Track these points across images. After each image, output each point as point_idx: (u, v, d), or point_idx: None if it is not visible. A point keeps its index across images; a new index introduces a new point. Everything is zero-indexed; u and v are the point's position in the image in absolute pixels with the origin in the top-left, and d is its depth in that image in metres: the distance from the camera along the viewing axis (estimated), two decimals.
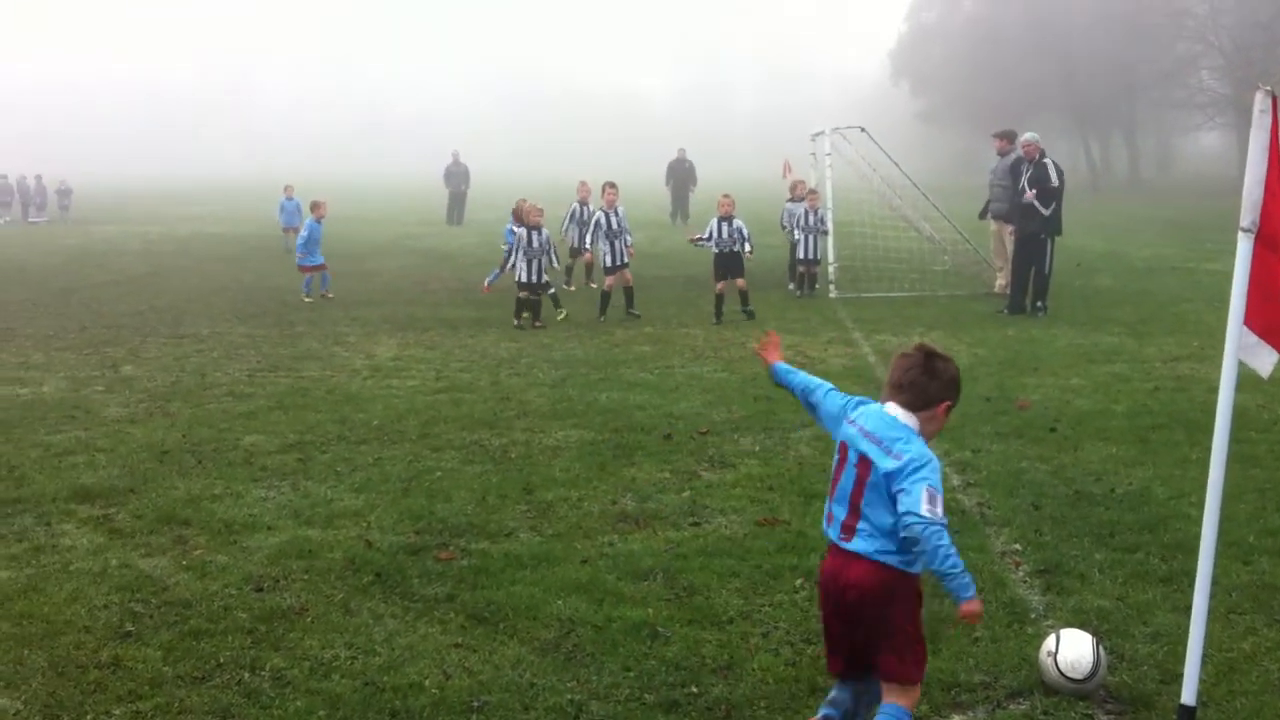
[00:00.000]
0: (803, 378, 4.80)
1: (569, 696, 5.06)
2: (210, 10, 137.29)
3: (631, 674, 5.25)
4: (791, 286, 20.27)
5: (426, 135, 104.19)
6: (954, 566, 4.01)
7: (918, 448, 4.15)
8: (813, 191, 20.06)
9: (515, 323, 15.93)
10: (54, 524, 7.44)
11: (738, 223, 16.80)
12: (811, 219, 19.33)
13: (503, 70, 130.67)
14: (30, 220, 43.10)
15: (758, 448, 9.20)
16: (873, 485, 4.14)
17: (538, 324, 15.90)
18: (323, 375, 12.43)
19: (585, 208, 20.45)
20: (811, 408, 4.70)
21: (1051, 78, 62.43)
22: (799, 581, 6.26)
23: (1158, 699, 4.95)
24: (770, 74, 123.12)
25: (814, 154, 21.94)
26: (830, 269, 19.53)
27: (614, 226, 16.85)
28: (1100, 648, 5.00)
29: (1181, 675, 4.64)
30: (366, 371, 12.63)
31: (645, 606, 5.96)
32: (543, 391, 11.53)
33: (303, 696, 5.07)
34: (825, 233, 19.46)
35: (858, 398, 4.53)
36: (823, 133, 20.75)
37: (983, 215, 19.69)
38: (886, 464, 4.11)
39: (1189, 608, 4.63)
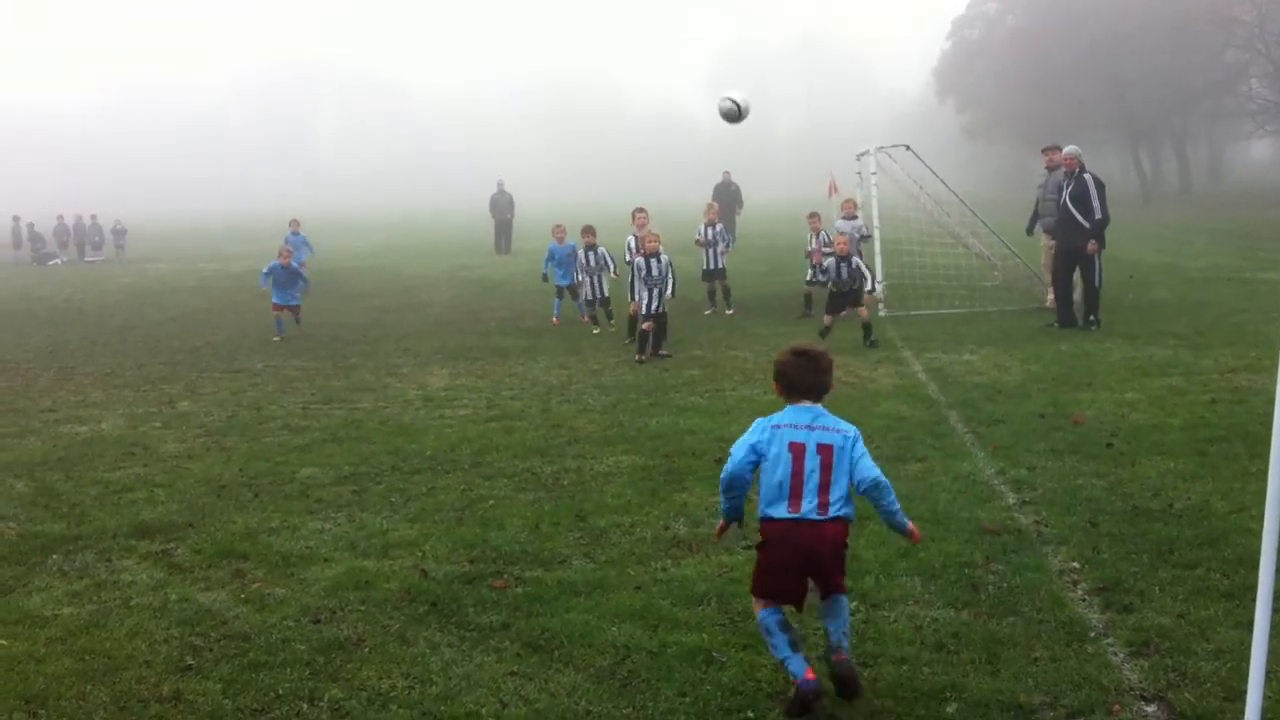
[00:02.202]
0: (738, 492, 5.45)
1: None
2: (258, 47, 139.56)
3: (687, 699, 5.25)
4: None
5: (472, 164, 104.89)
6: (898, 504, 5.32)
7: (845, 423, 5.28)
8: (813, 215, 20.43)
9: (639, 358, 15.17)
10: (114, 560, 7.55)
11: (665, 259, 15.86)
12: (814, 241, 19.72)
13: (549, 97, 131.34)
14: (86, 259, 43.84)
15: None
16: (837, 464, 5.15)
17: (663, 353, 15.48)
18: (376, 407, 12.54)
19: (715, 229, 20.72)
20: (748, 475, 5.36)
21: (1098, 90, 61.93)
22: (854, 604, 6.22)
23: (1221, 717, 4.88)
24: (812, 93, 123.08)
25: (859, 173, 21.89)
26: (878, 287, 19.45)
27: (653, 274, 16.18)
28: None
29: (1245, 693, 4.57)
30: (419, 402, 12.73)
31: (700, 632, 5.96)
32: (593, 418, 11.57)
33: None
34: (867, 238, 19.71)
35: (762, 421, 5.35)
36: (868, 151, 20.70)
37: (1030, 230, 19.54)
38: (840, 441, 5.18)
39: (1252, 624, 4.55)
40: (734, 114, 7.41)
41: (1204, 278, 22.53)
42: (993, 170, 71.81)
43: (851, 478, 5.20)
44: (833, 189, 26.19)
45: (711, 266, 20.34)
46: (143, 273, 36.34)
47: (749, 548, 7.28)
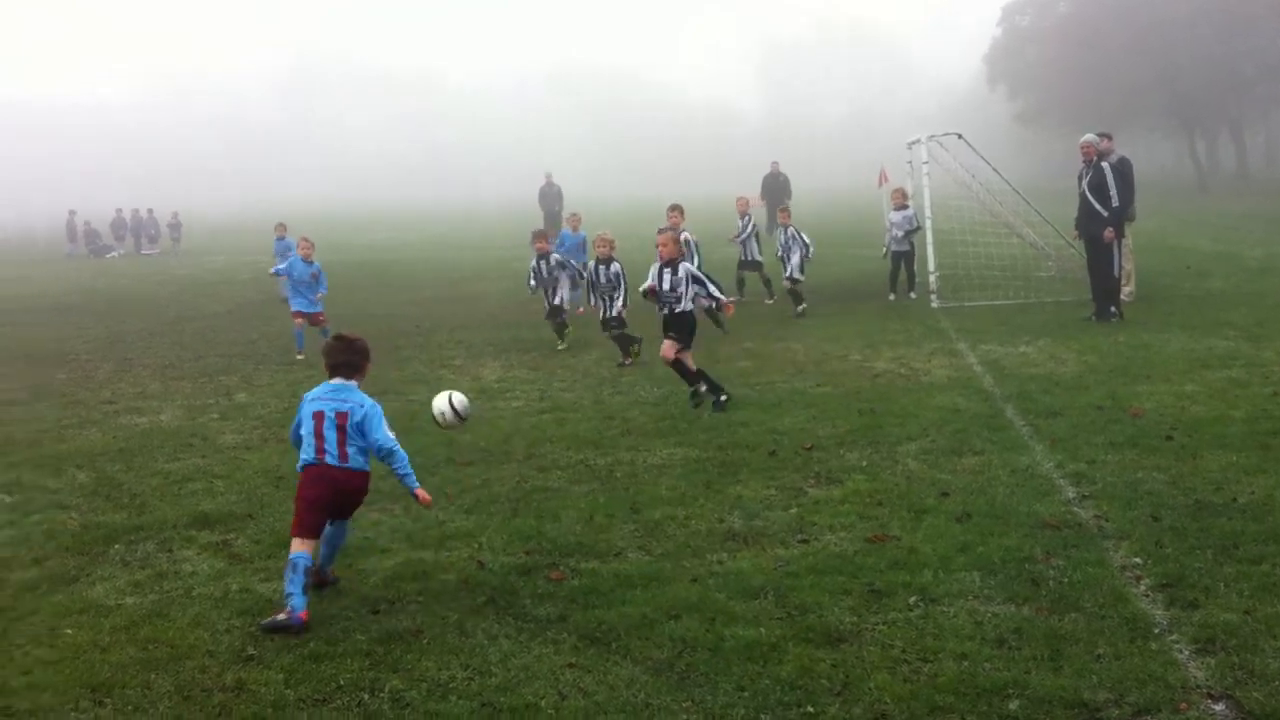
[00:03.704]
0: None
1: (684, 717, 5.07)
2: (295, 42, 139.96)
3: (746, 694, 5.24)
4: (892, 297, 20.13)
5: (514, 156, 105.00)
6: (407, 467, 6.82)
7: (363, 397, 6.82)
8: (783, 208, 20.10)
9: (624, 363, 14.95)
10: (175, 550, 7.65)
11: (615, 266, 15.21)
12: (784, 237, 19.20)
13: (592, 88, 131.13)
14: (143, 252, 44.38)
15: (864, 463, 9.12)
16: (354, 426, 6.68)
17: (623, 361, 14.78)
18: (429, 398, 12.56)
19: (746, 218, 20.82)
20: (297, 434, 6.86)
21: (1151, 76, 60.99)
22: (913, 599, 6.19)
23: None
24: (861, 82, 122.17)
25: (910, 162, 21.73)
26: (931, 278, 19.32)
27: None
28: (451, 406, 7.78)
29: None
30: (472, 393, 12.73)
31: (757, 626, 5.94)
32: (645, 410, 11.57)
33: (421, 718, 5.15)
34: (918, 229, 19.71)
35: (310, 393, 6.88)
36: (919, 140, 20.53)
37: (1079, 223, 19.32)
38: (358, 413, 6.70)
39: None
40: (449, 420, 7.95)
41: (1261, 267, 22.17)
42: (1045, 158, 70.95)
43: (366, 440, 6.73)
44: (883, 178, 26.02)
45: (747, 258, 20.56)
46: (198, 265, 36.73)
47: (804, 541, 7.27)
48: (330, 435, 6.62)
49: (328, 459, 6.61)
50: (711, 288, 11.77)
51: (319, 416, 6.68)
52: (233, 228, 60.58)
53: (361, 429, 6.66)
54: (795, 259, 18.86)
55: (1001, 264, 20.66)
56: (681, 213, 16.96)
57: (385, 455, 6.70)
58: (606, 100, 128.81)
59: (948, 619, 5.95)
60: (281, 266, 17.51)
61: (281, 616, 6.23)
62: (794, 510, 7.95)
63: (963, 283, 19.81)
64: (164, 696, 5.45)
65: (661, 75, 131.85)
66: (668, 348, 11.60)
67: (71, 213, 46.26)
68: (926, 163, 19.87)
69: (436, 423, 7.88)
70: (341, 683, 5.52)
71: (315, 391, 6.85)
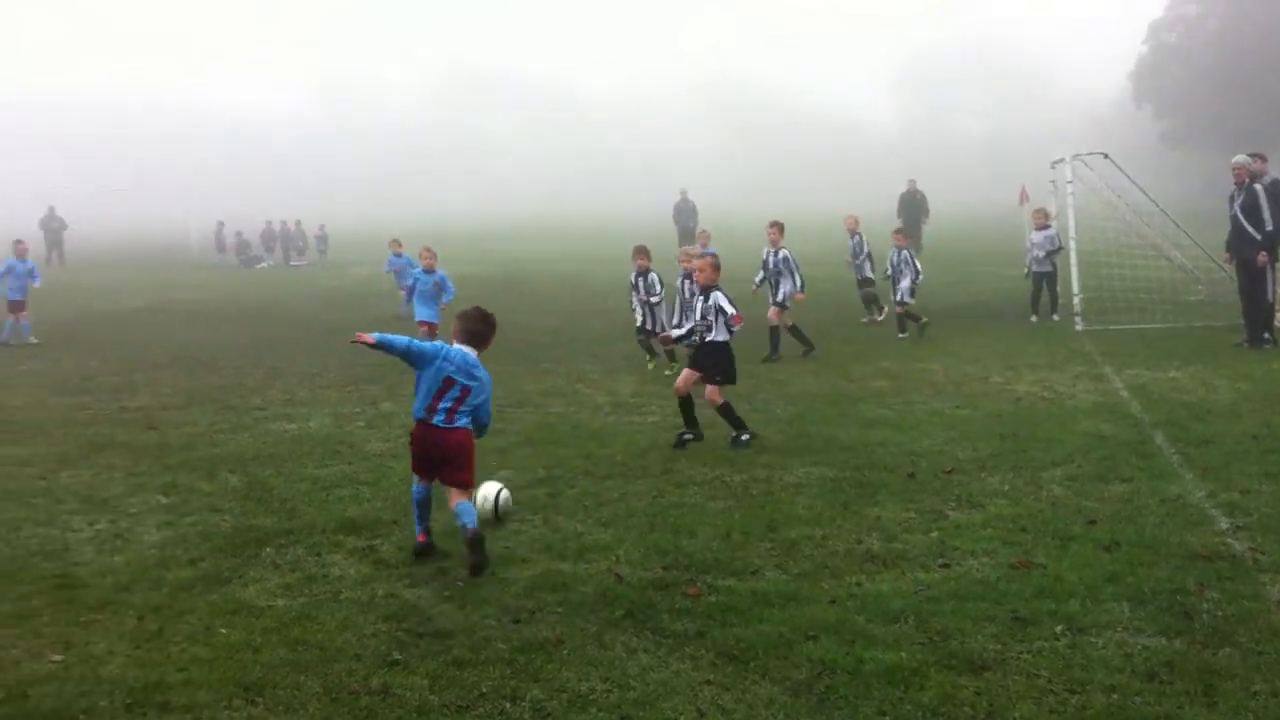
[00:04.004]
0: (403, 340, 7.69)
1: None
2: (435, 59, 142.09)
3: (887, 719, 5.19)
4: (1034, 318, 19.77)
5: (655, 172, 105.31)
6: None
7: (485, 375, 7.74)
8: (899, 231, 19.92)
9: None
10: (324, 554, 7.86)
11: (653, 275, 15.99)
12: (897, 258, 18.80)
13: (726, 103, 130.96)
14: (291, 264, 45.68)
15: (1007, 487, 8.96)
16: (470, 404, 7.63)
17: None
18: (567, 411, 12.77)
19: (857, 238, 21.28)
20: (415, 356, 7.63)
21: None
22: (1059, 629, 6.06)
23: None
24: (1000, 99, 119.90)
25: (1053, 181, 21.30)
26: (1075, 300, 18.90)
27: (770, 267, 16.82)
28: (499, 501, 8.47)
29: None
30: (609, 407, 12.90)
31: (898, 650, 5.88)
32: (780, 428, 11.54)
33: None
34: (1059, 249, 19.49)
35: (448, 350, 7.70)
36: (1063, 160, 20.12)
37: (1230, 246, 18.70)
38: (479, 396, 7.67)
39: None
40: (487, 510, 8.37)
41: None
42: (1194, 179, 68.83)
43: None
44: (1024, 197, 25.56)
45: (862, 277, 21.03)
46: (344, 276, 37.66)
47: (945, 566, 7.18)
48: (448, 403, 7.57)
49: (435, 419, 7.58)
50: (720, 320, 10.88)
51: (449, 383, 7.57)
52: (377, 240, 62.06)
53: (476, 409, 7.72)
54: (905, 283, 18.58)
55: (1149, 286, 20.13)
56: (781, 230, 17.03)
57: (482, 430, 7.92)
58: (744, 114, 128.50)
59: (1096, 650, 5.81)
60: (408, 280, 17.94)
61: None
62: (934, 534, 7.86)
63: (1108, 305, 19.33)
64: (313, 698, 5.61)
65: (796, 89, 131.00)
66: (684, 378, 10.97)
67: (220, 223, 47.86)
68: (1071, 182, 19.46)
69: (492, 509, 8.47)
70: (484, 690, 5.62)
71: (452, 353, 7.64)
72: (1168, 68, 75.81)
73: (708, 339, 11.02)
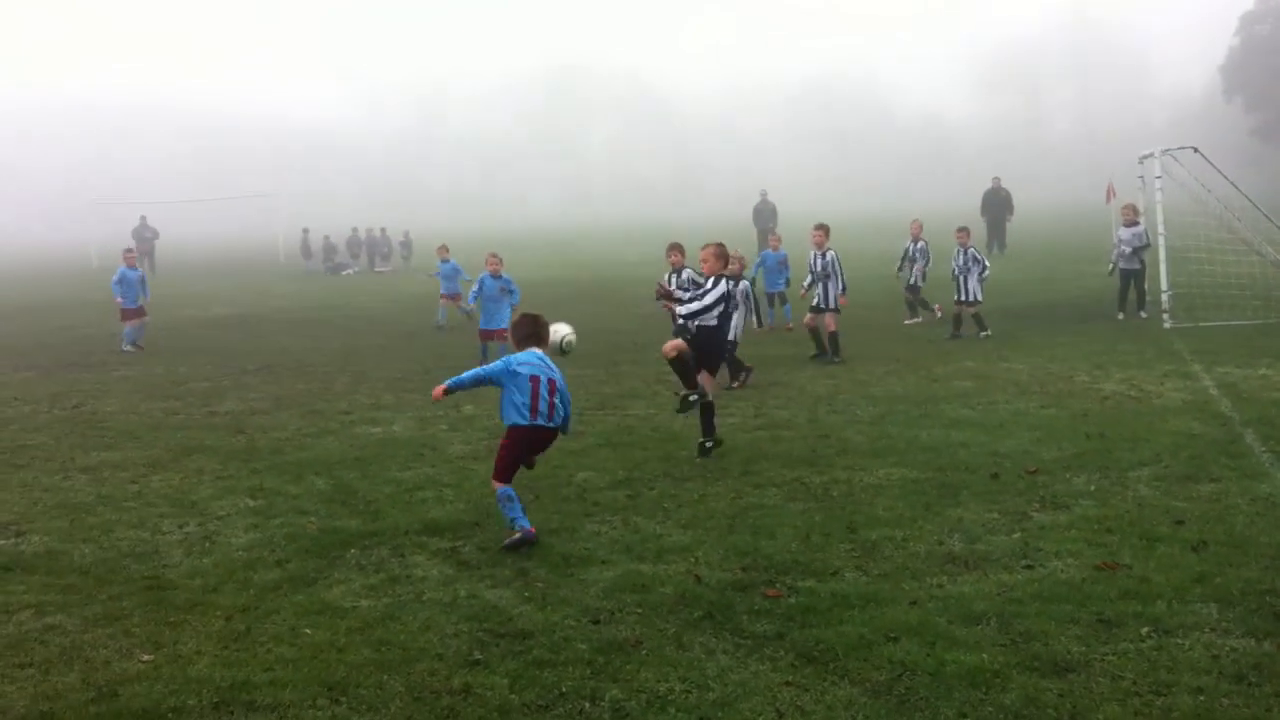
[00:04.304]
0: (469, 374, 8.37)
1: None
2: (528, 62, 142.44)
3: None
4: (1120, 316, 19.44)
5: (743, 174, 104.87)
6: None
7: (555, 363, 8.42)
8: (962, 229, 19.45)
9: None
10: (407, 555, 7.97)
11: (744, 285, 15.79)
12: (963, 258, 18.62)
13: (809, 101, 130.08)
14: (376, 270, 46.29)
15: (1092, 487, 8.82)
16: (559, 390, 8.25)
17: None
18: (646, 413, 12.80)
19: (916, 245, 21.52)
20: (489, 381, 8.29)
21: None
22: (1145, 630, 5.96)
23: None
24: (1086, 94, 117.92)
25: (1142, 177, 20.91)
26: (1164, 297, 18.53)
27: (818, 270, 16.66)
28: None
29: None
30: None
31: (979, 652, 5.82)
32: (862, 429, 11.47)
33: None
34: (1146, 246, 19.38)
35: (516, 357, 8.36)
36: (1151, 155, 19.74)
37: None
38: (561, 380, 8.33)
39: None
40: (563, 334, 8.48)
41: None
42: None
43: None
44: (1110, 193, 25.12)
45: (914, 282, 21.24)
46: (428, 282, 38.00)
47: (1029, 567, 7.09)
48: (545, 398, 8.16)
49: (539, 420, 8.15)
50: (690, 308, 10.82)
51: (535, 381, 8.15)
52: (461, 245, 62.68)
53: (563, 394, 8.33)
54: (972, 282, 18.44)
55: (1240, 283, 19.68)
56: (826, 233, 17.01)
57: (565, 423, 8.43)
58: (833, 115, 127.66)
59: (1182, 652, 5.71)
60: (475, 290, 17.96)
61: (517, 536, 7.91)
62: (1017, 535, 7.76)
63: (1197, 302, 18.94)
64: (395, 697, 5.69)
65: (885, 87, 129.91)
66: (671, 346, 10.81)
67: (305, 230, 48.63)
68: (1160, 177, 19.08)
69: (560, 342, 8.96)
70: (564, 690, 5.66)
71: (522, 356, 8.29)
72: (1259, 60, 74.19)
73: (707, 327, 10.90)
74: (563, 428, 8.45)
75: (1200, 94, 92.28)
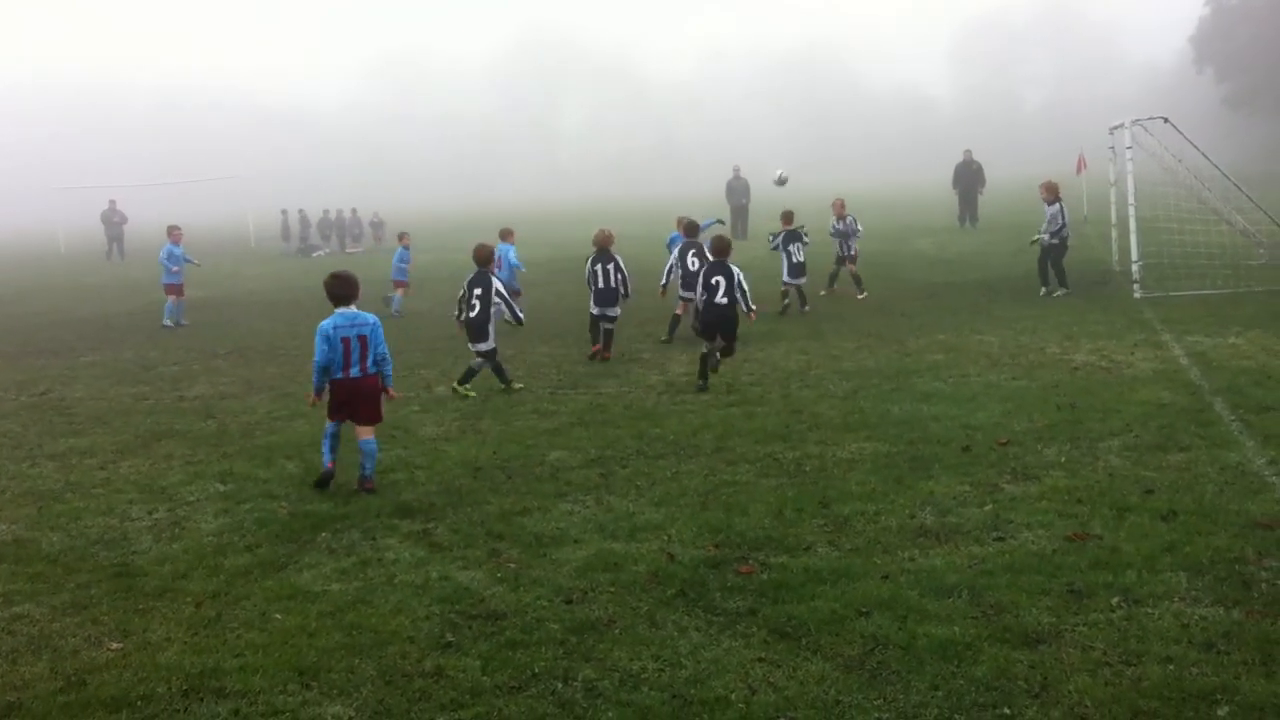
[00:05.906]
0: (315, 364, 9.21)
1: (876, 715, 5.02)
2: (508, 41, 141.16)
3: (940, 693, 5.16)
4: (1043, 291, 19.21)
5: (712, 149, 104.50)
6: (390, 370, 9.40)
7: (369, 316, 9.24)
8: (839, 200, 21.08)
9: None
10: (379, 538, 7.93)
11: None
12: (842, 225, 20.55)
13: (783, 76, 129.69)
14: (348, 251, 46.01)
15: (1063, 459, 8.86)
16: (371, 344, 9.11)
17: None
18: (620, 392, 12.77)
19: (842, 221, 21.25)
20: (326, 358, 9.08)
21: None
22: (1115, 600, 5.99)
23: None
24: (1058, 67, 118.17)
25: (1112, 148, 20.97)
26: (1134, 267, 18.60)
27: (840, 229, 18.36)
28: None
29: None
30: (661, 387, 12.90)
31: (951, 624, 5.84)
32: (834, 404, 11.47)
33: (614, 708, 5.23)
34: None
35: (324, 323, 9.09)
36: (1122, 125, 19.79)
37: None
38: (369, 330, 9.13)
39: None
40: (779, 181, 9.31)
41: None
42: (1257, 143, 67.51)
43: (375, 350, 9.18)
44: (1081, 164, 25.18)
45: (844, 254, 21.16)
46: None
47: (1000, 539, 7.11)
48: (356, 353, 9.04)
49: (353, 372, 9.09)
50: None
51: (346, 341, 9.03)
52: (436, 225, 62.40)
53: (376, 343, 9.15)
54: (853, 242, 20.66)
55: (1209, 252, 19.78)
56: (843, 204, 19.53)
57: (382, 360, 9.23)
58: (797, 89, 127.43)
59: (1152, 621, 5.74)
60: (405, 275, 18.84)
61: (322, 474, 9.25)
62: (989, 507, 7.79)
63: (1167, 272, 19.02)
64: (367, 681, 5.67)
65: (856, 59, 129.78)
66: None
67: (284, 212, 48.19)
68: (1130, 148, 19.13)
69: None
70: (536, 670, 5.65)
71: (333, 320, 9.09)
72: (1229, 29, 74.50)
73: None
74: (383, 370, 9.29)
75: (1171, 64, 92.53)
